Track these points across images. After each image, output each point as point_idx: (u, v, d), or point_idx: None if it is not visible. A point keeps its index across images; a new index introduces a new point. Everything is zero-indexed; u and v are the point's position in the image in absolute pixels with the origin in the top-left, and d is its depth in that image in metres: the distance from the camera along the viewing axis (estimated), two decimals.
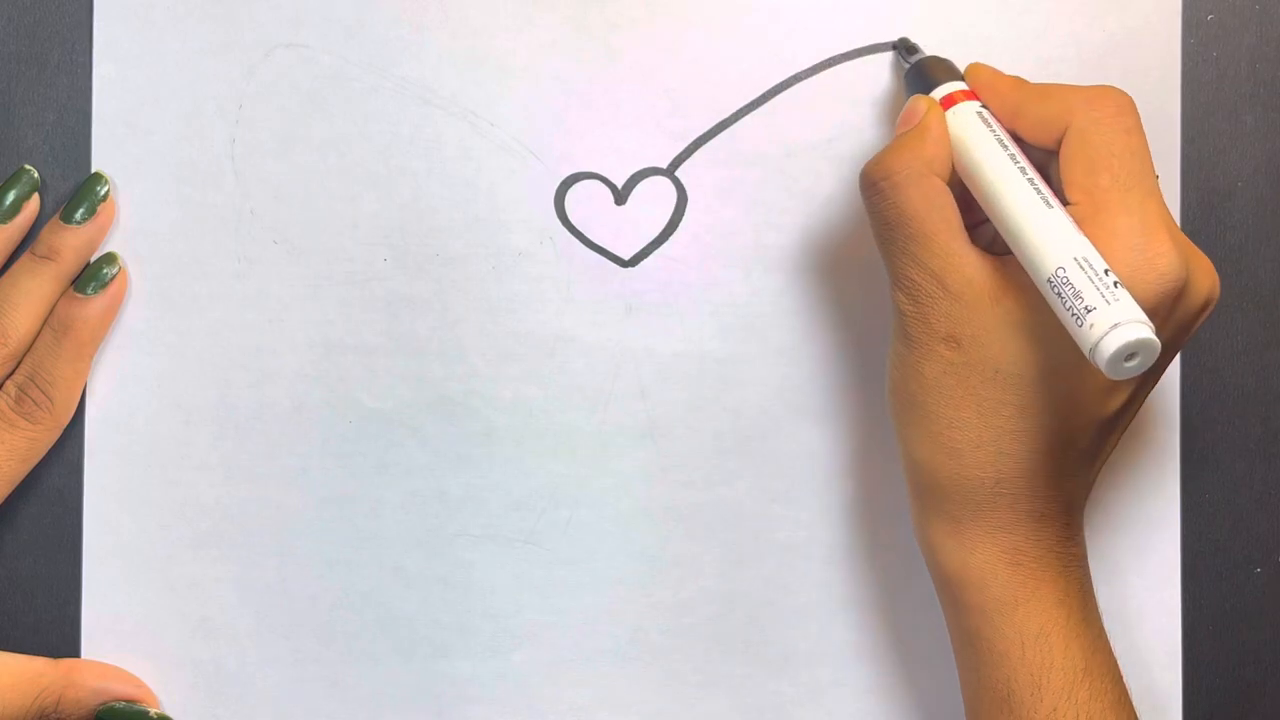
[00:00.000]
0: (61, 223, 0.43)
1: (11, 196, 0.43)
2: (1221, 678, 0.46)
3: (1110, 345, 0.34)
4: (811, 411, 0.45)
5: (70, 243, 0.43)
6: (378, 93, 0.45)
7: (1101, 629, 0.40)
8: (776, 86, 0.45)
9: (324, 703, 0.45)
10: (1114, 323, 0.34)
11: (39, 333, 0.44)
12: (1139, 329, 0.34)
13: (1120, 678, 0.40)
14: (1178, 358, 0.45)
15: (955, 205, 0.39)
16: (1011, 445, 0.38)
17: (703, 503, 0.45)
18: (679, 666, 0.45)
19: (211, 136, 0.45)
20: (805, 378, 0.45)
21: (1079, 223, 0.37)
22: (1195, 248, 0.39)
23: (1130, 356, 0.34)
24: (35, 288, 0.43)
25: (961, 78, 0.42)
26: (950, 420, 0.38)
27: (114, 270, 0.44)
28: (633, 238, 0.45)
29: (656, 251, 0.45)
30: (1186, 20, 0.45)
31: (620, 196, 0.45)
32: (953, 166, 0.40)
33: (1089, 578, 0.41)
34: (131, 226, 0.45)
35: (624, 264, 0.45)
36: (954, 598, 0.40)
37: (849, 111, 0.45)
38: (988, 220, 0.39)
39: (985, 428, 0.38)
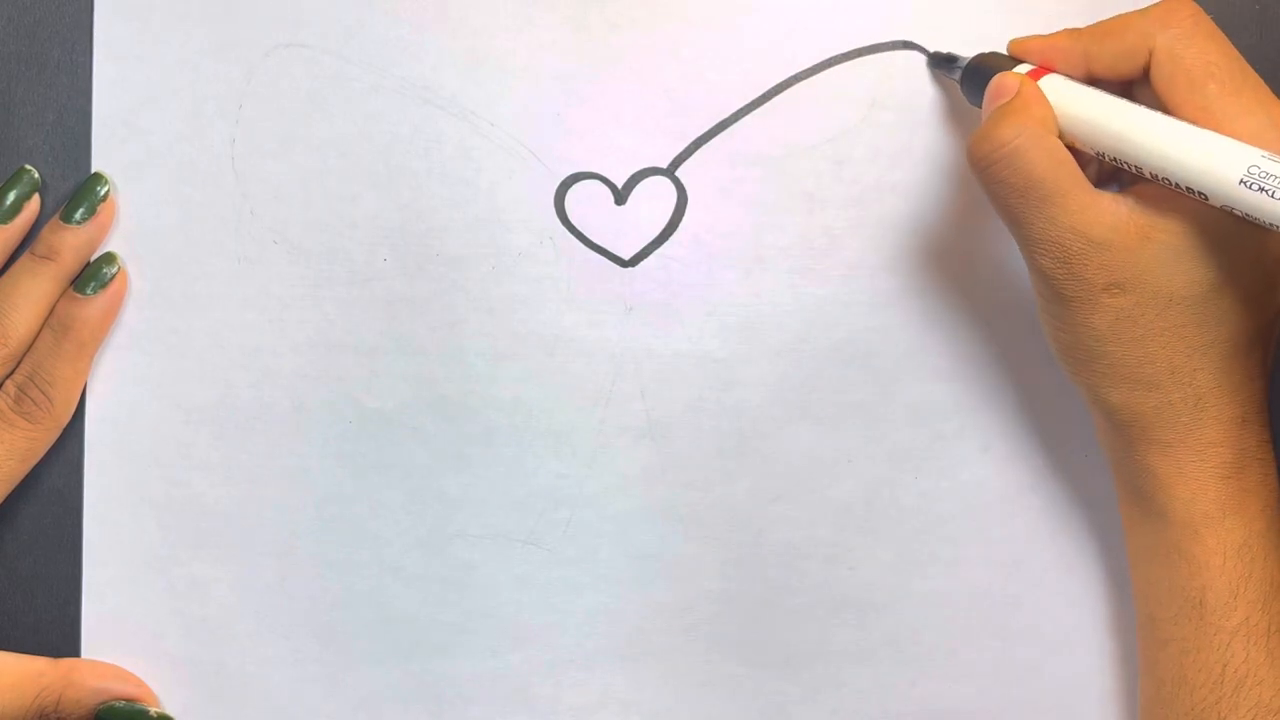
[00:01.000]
0: (61, 223, 0.43)
1: (12, 197, 0.43)
2: None
3: None
4: (811, 411, 0.45)
5: (70, 243, 0.43)
6: (378, 93, 0.45)
7: None
8: (776, 86, 0.45)
9: (324, 703, 0.45)
10: None
11: (39, 333, 0.44)
12: None
13: None
14: None
15: (1073, 159, 0.39)
16: (1203, 360, 0.39)
17: (703, 503, 0.45)
18: (679, 666, 0.45)
19: (211, 136, 0.45)
20: (805, 378, 0.45)
21: None
22: None
23: None
24: (35, 288, 0.43)
25: (1016, 60, 0.42)
26: (1139, 359, 0.39)
27: (114, 270, 0.44)
28: (633, 238, 0.45)
29: (656, 251, 0.45)
30: None
31: (620, 196, 0.45)
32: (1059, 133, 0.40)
33: None
34: (131, 226, 0.45)
35: (624, 264, 0.45)
36: (1158, 515, 0.40)
37: (849, 111, 0.45)
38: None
39: (1175, 353, 0.38)
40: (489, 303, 0.45)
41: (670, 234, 0.45)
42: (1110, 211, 0.38)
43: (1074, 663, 0.46)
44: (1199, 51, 0.38)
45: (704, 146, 0.45)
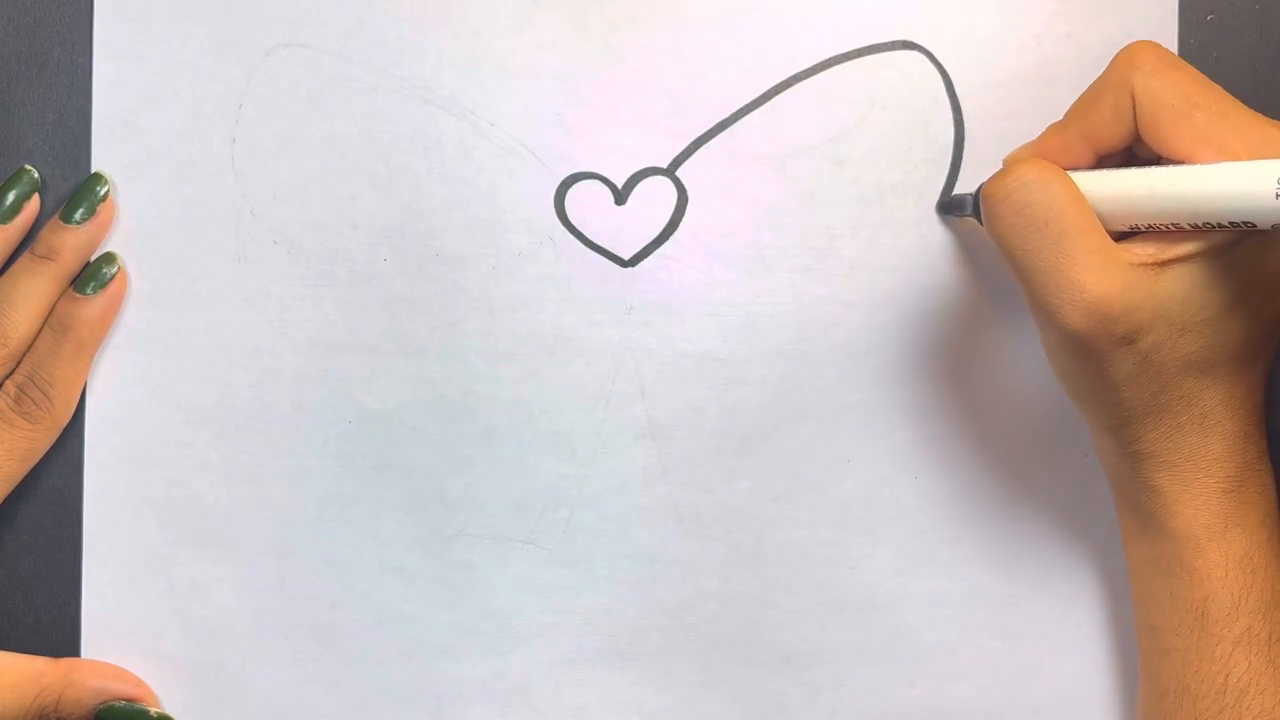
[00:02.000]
0: (61, 222, 0.43)
1: (12, 197, 0.43)
2: None
3: None
4: (811, 411, 0.45)
5: (70, 242, 0.43)
6: (378, 93, 0.45)
7: None
8: (776, 86, 0.45)
9: (324, 703, 0.45)
10: None
11: (39, 333, 0.44)
12: None
13: None
14: None
15: (1086, 199, 0.38)
16: (1211, 380, 0.38)
17: (702, 503, 0.45)
18: (679, 666, 0.45)
19: (211, 136, 0.45)
20: (805, 378, 0.45)
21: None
22: None
23: None
24: (35, 288, 0.43)
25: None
26: (1154, 392, 0.38)
27: (113, 270, 0.44)
28: (633, 238, 0.45)
29: (656, 251, 0.45)
30: (1186, 20, 0.45)
31: (620, 196, 0.45)
32: None
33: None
34: (131, 226, 0.45)
35: (624, 264, 0.45)
36: (1159, 529, 0.40)
37: (849, 111, 0.45)
38: None
39: (1186, 378, 0.38)
40: (489, 303, 0.45)
41: (670, 234, 0.45)
42: (1128, 251, 0.38)
43: (1074, 663, 0.46)
44: (1174, 84, 0.38)
45: (704, 146, 0.45)
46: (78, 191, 0.44)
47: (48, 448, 0.44)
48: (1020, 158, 0.40)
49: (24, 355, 0.43)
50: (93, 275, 0.44)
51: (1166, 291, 0.37)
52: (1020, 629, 0.46)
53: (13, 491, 0.44)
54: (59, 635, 0.45)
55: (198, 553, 0.45)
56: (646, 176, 0.45)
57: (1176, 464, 0.39)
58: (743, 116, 0.45)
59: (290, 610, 0.45)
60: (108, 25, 0.44)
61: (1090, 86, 0.40)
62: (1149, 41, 0.39)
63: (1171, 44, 0.45)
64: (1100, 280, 0.37)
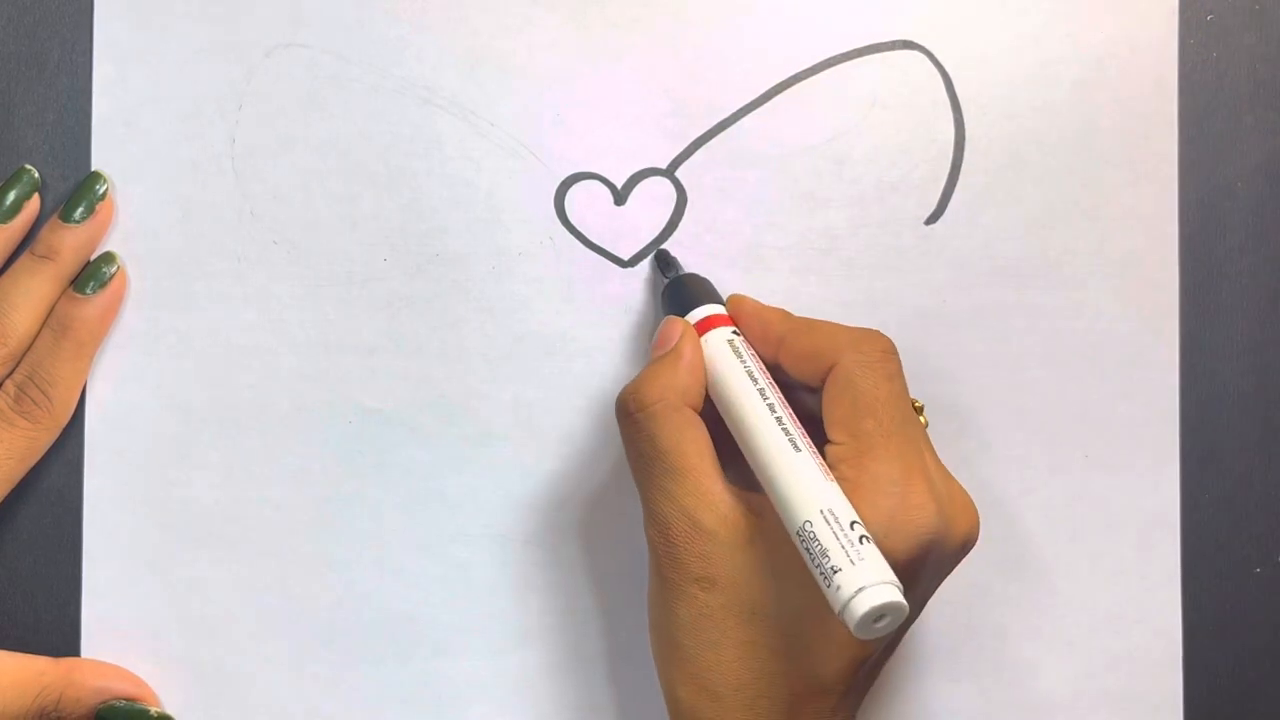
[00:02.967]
0: (60, 222, 0.43)
1: (12, 196, 0.43)
2: (1221, 678, 0.46)
3: (857, 609, 0.33)
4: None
5: (69, 242, 0.43)
6: (378, 93, 0.45)
7: None
8: (776, 86, 0.45)
9: (324, 703, 0.45)
10: (860, 585, 0.33)
11: (39, 332, 0.43)
12: (886, 591, 0.33)
13: None
14: (1176, 359, 0.45)
15: (709, 439, 0.39)
16: (770, 688, 0.37)
17: None
18: None
19: (211, 136, 0.45)
20: None
21: (839, 463, 0.37)
22: (957, 486, 0.39)
23: (879, 618, 0.34)
24: (35, 287, 0.43)
25: (720, 300, 0.42)
26: (709, 663, 0.38)
27: (113, 269, 0.44)
28: (633, 238, 0.45)
29: (656, 251, 0.45)
30: (1186, 20, 0.45)
31: (620, 196, 0.45)
32: (707, 395, 0.40)
33: None
34: (131, 226, 0.45)
35: (624, 264, 0.45)
36: None
37: (849, 111, 0.45)
38: None
39: (745, 670, 0.37)
40: (489, 303, 0.45)
41: (670, 234, 0.45)
42: (725, 503, 0.38)
43: (1074, 663, 0.46)
44: (871, 385, 0.38)
45: (704, 146, 0.45)
46: (77, 191, 0.44)
47: (48, 448, 0.44)
48: (656, 371, 0.40)
49: (24, 355, 0.43)
50: (92, 275, 0.44)
51: (747, 560, 0.37)
52: (1020, 629, 0.46)
53: (13, 491, 0.44)
54: (59, 635, 0.45)
55: (198, 553, 0.45)
56: (646, 176, 0.45)
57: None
58: (743, 116, 0.45)
59: (290, 610, 0.45)
60: (108, 25, 0.44)
61: (822, 324, 0.40)
62: (883, 336, 0.39)
63: (1172, 44, 0.45)
64: (692, 511, 0.38)
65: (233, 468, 0.45)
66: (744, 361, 0.40)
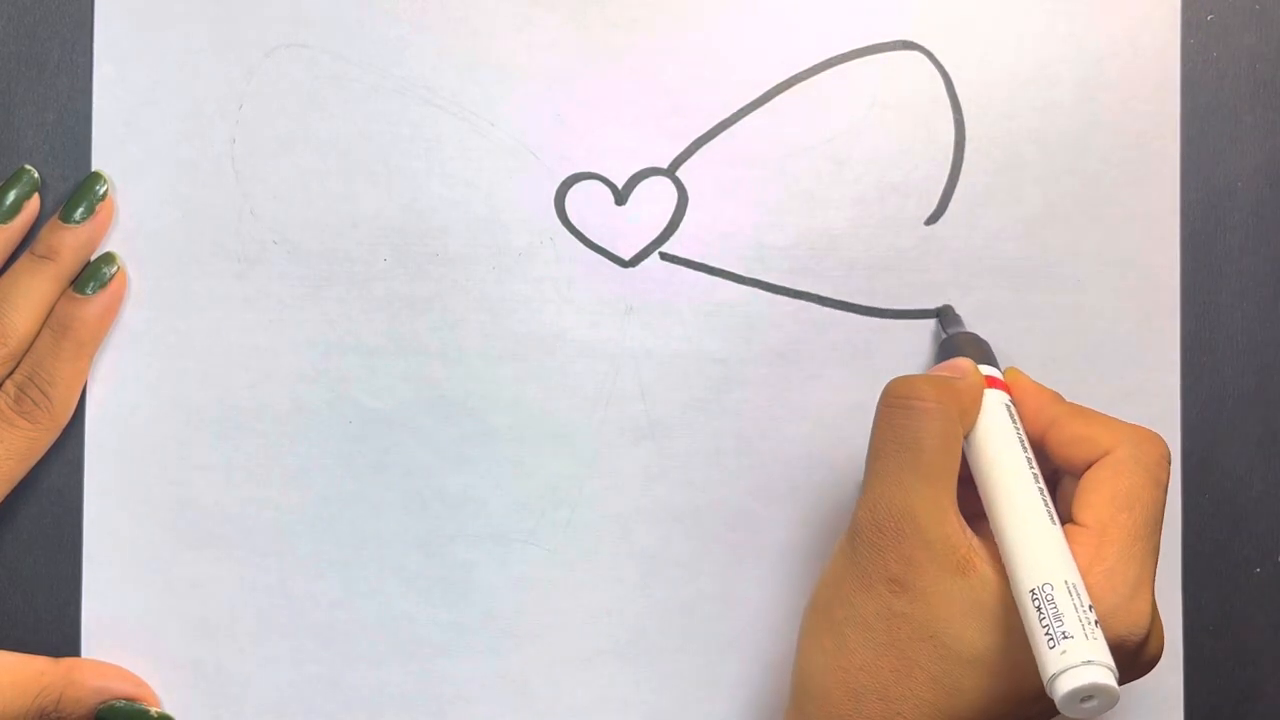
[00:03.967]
0: (61, 222, 0.43)
1: (12, 196, 0.43)
2: (1221, 678, 0.46)
3: (1075, 680, 0.33)
4: (811, 411, 0.45)
5: (69, 242, 0.43)
6: (378, 93, 0.45)
7: None
8: (776, 86, 0.45)
9: (324, 703, 0.45)
10: (1086, 659, 0.33)
11: (39, 333, 0.43)
12: (1107, 674, 0.33)
13: None
14: (1176, 359, 0.45)
15: (959, 465, 0.38)
16: (913, 713, 0.36)
17: (702, 503, 0.45)
18: (679, 666, 0.45)
19: (211, 136, 0.45)
20: (805, 378, 0.45)
21: (1076, 544, 0.37)
22: (1158, 612, 0.39)
23: (1088, 698, 0.33)
24: (35, 287, 0.43)
25: (996, 363, 0.42)
26: (864, 663, 0.37)
27: (113, 270, 0.44)
28: (633, 238, 0.45)
29: (656, 251, 0.45)
30: (1186, 20, 0.45)
31: (620, 196, 0.45)
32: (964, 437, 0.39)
33: None
34: (131, 226, 0.45)
35: (624, 264, 0.45)
36: None
37: (849, 111, 0.45)
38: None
39: (897, 684, 0.37)
40: (489, 303, 0.45)
41: (670, 234, 0.45)
42: (952, 523, 0.37)
43: None
44: (1140, 484, 0.38)
45: (704, 146, 0.45)
46: (77, 191, 0.44)
47: (48, 448, 0.44)
48: (942, 379, 0.39)
49: (24, 355, 0.43)
50: (92, 275, 0.44)
51: (952, 588, 0.36)
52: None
53: (13, 491, 0.44)
54: (59, 635, 0.45)
55: (198, 553, 0.45)
56: (646, 176, 0.45)
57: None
58: (743, 116, 0.45)
59: (290, 610, 0.45)
60: (108, 25, 0.44)
61: (1091, 413, 0.40)
62: (1163, 441, 0.39)
63: (1172, 44, 0.45)
64: (915, 511, 0.37)
65: (233, 468, 0.45)
66: (1016, 427, 0.39)
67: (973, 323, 0.45)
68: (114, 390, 0.45)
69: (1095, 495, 0.38)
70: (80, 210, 0.44)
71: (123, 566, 0.45)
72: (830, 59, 0.45)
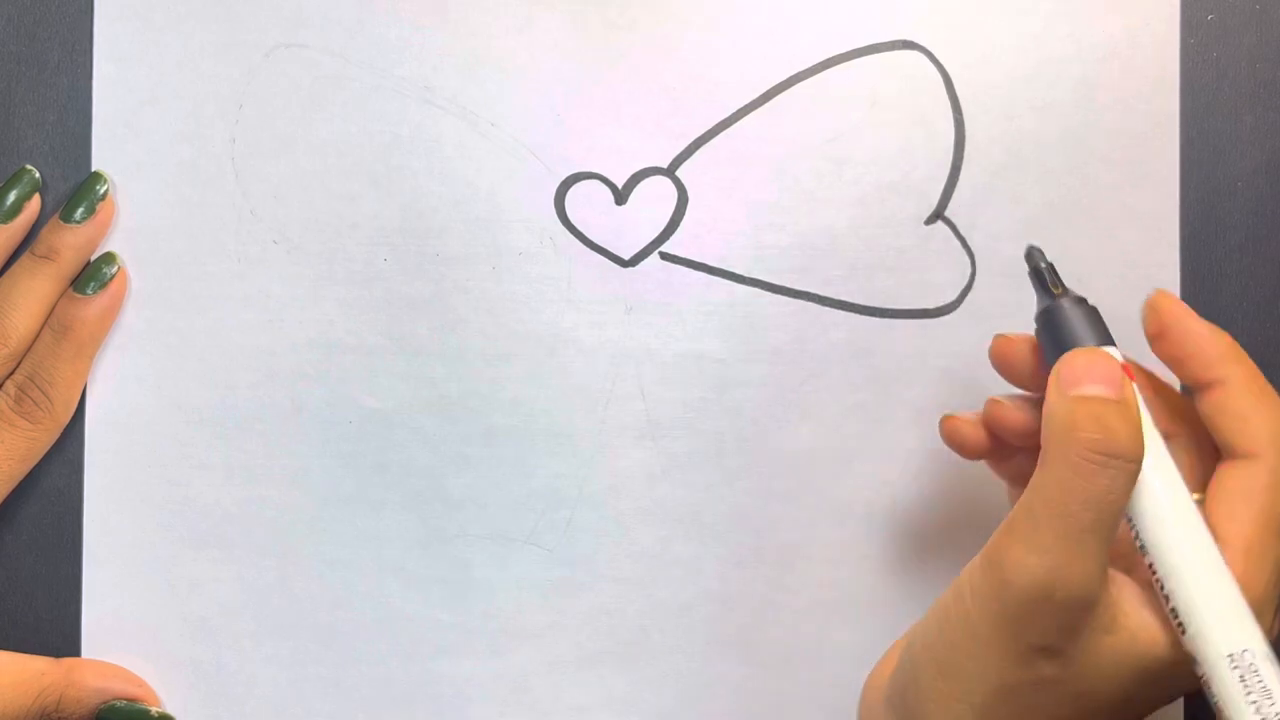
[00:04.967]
0: (61, 222, 0.43)
1: (12, 197, 0.43)
2: None
3: None
4: (811, 411, 0.45)
5: (69, 242, 0.43)
6: (378, 93, 0.45)
7: None
8: (776, 86, 0.45)
9: (324, 703, 0.45)
10: None
11: (39, 333, 0.43)
12: None
13: None
14: None
15: None
16: None
17: (703, 503, 0.45)
18: (679, 666, 0.45)
19: (211, 136, 0.45)
20: (805, 378, 0.45)
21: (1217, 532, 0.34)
22: None
23: None
24: (35, 287, 0.43)
25: (1113, 340, 0.37)
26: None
27: (113, 270, 0.44)
28: (633, 238, 0.45)
29: (656, 251, 0.45)
30: (1186, 20, 0.45)
31: (620, 196, 0.45)
32: None
33: None
34: (131, 226, 0.45)
35: (624, 264, 0.45)
36: None
37: (849, 111, 0.45)
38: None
39: None
40: (489, 303, 0.45)
41: (671, 234, 0.45)
42: (1108, 585, 0.34)
43: None
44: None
45: (704, 146, 0.45)
46: (77, 191, 0.44)
47: (48, 448, 0.44)
48: (1133, 418, 0.34)
49: (24, 355, 0.43)
50: (93, 275, 0.44)
51: (1103, 647, 0.34)
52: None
53: (13, 491, 0.44)
54: (59, 635, 0.45)
55: (198, 553, 0.45)
56: (646, 176, 0.45)
57: None
58: (743, 116, 0.45)
59: (290, 610, 0.45)
60: (108, 25, 0.44)
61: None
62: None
63: (1172, 44, 0.45)
64: (1079, 582, 0.33)
65: (233, 468, 0.45)
66: (1158, 439, 0.35)
67: (973, 321, 0.45)
68: (114, 390, 0.45)
69: (1244, 508, 0.34)
70: (81, 210, 0.44)
71: (123, 566, 0.45)
72: (830, 59, 0.45)
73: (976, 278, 0.45)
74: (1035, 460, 0.35)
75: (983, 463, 0.42)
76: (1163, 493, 0.35)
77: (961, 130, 0.45)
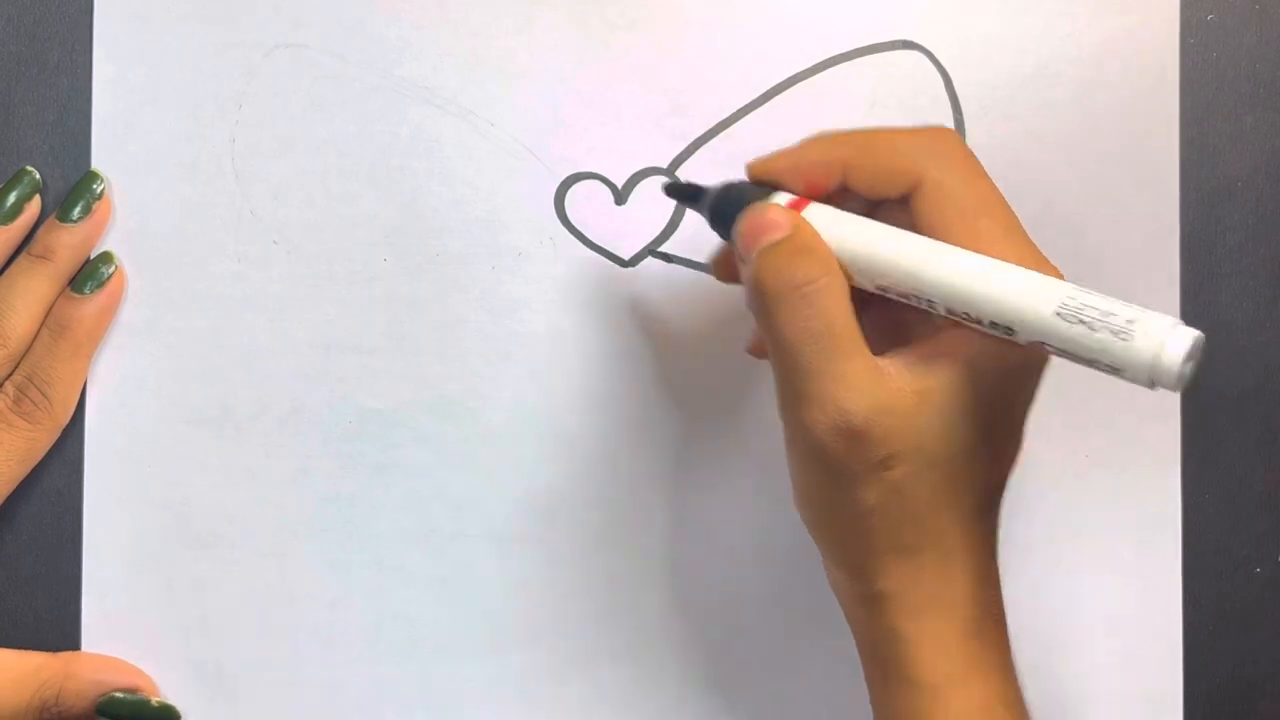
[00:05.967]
0: (57, 221, 0.43)
1: (13, 198, 0.43)
2: (1221, 678, 0.46)
3: (1180, 346, 0.31)
4: None
5: (66, 241, 0.43)
6: (378, 93, 0.45)
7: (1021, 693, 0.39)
8: (776, 86, 0.45)
9: (324, 703, 0.45)
10: (1172, 324, 0.32)
11: (37, 333, 0.43)
12: (1189, 329, 0.31)
13: None
14: None
15: None
16: (953, 518, 0.36)
17: (703, 503, 0.45)
18: (679, 666, 0.45)
19: (211, 136, 0.45)
20: None
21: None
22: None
23: (1188, 360, 0.32)
24: (32, 288, 0.43)
25: (768, 190, 0.38)
26: (899, 526, 0.36)
27: (111, 269, 0.44)
28: (633, 238, 0.45)
29: (656, 251, 0.45)
30: (1186, 20, 0.45)
31: (620, 196, 0.45)
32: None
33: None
34: (131, 226, 0.45)
35: (624, 264, 0.45)
36: (902, 679, 0.37)
37: (849, 111, 0.45)
38: None
39: (931, 515, 0.36)
40: (489, 303, 0.45)
41: (671, 233, 0.45)
42: (889, 373, 0.35)
43: (1073, 662, 0.46)
44: (971, 186, 0.36)
45: (704, 146, 0.45)
46: (74, 190, 0.44)
47: (48, 448, 0.44)
48: (800, 245, 0.36)
49: (23, 356, 0.43)
50: (90, 275, 0.44)
51: (926, 420, 0.35)
52: (1018, 630, 0.46)
53: (13, 491, 0.44)
54: (59, 635, 0.45)
55: (198, 553, 0.45)
56: (646, 176, 0.45)
57: (918, 607, 0.37)
58: (743, 116, 0.45)
59: (290, 610, 0.45)
60: (108, 25, 0.44)
61: (884, 136, 0.38)
62: (951, 132, 0.38)
63: (1172, 44, 0.45)
64: (862, 401, 0.35)
65: (233, 468, 0.45)
66: (864, 217, 0.36)
67: None
68: (114, 390, 0.45)
69: (947, 227, 0.36)
70: (77, 209, 0.44)
71: (123, 566, 0.45)
72: (830, 59, 0.45)
73: None
74: None
75: None
76: (898, 250, 0.35)
77: (961, 130, 0.45)
